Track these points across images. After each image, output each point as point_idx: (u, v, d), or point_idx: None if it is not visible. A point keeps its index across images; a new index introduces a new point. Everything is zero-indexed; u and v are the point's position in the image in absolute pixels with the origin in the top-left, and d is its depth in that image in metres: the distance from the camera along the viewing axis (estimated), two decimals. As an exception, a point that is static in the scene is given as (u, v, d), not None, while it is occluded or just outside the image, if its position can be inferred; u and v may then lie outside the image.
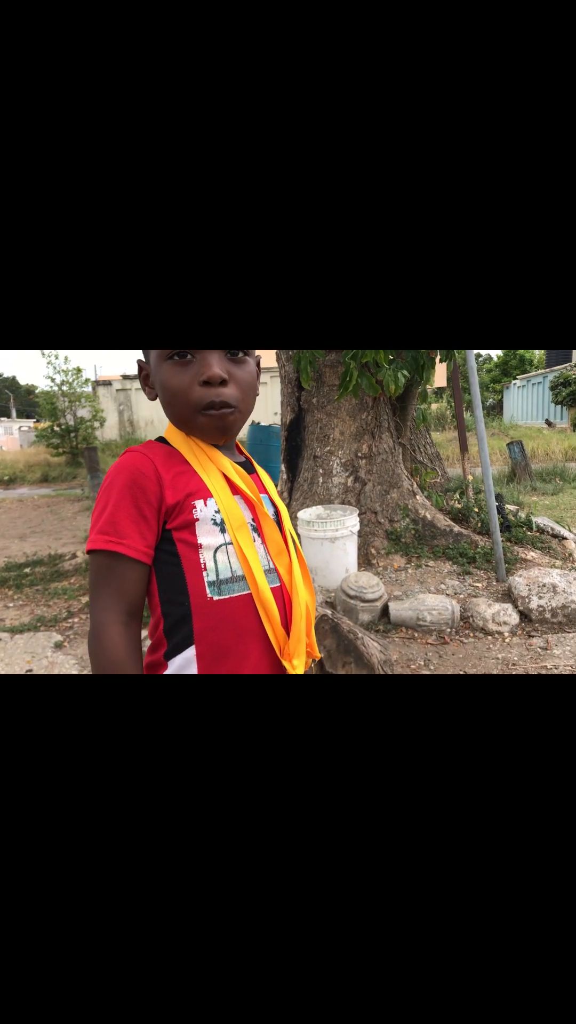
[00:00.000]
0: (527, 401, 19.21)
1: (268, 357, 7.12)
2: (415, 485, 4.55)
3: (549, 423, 14.28)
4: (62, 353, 12.35)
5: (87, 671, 2.93)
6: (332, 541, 3.54)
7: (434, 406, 11.55)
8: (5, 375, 53.88)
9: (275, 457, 5.25)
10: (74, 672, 3.00)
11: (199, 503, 0.89)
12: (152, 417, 15.33)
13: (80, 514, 7.50)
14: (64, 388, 12.62)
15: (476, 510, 4.61)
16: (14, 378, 52.29)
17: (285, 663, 0.88)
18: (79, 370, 12.45)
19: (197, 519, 0.88)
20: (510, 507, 4.85)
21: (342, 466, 4.46)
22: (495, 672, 2.73)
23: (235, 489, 0.92)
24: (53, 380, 12.87)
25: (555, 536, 4.39)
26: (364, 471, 4.44)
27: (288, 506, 4.27)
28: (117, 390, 15.36)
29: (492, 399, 24.98)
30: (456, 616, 3.17)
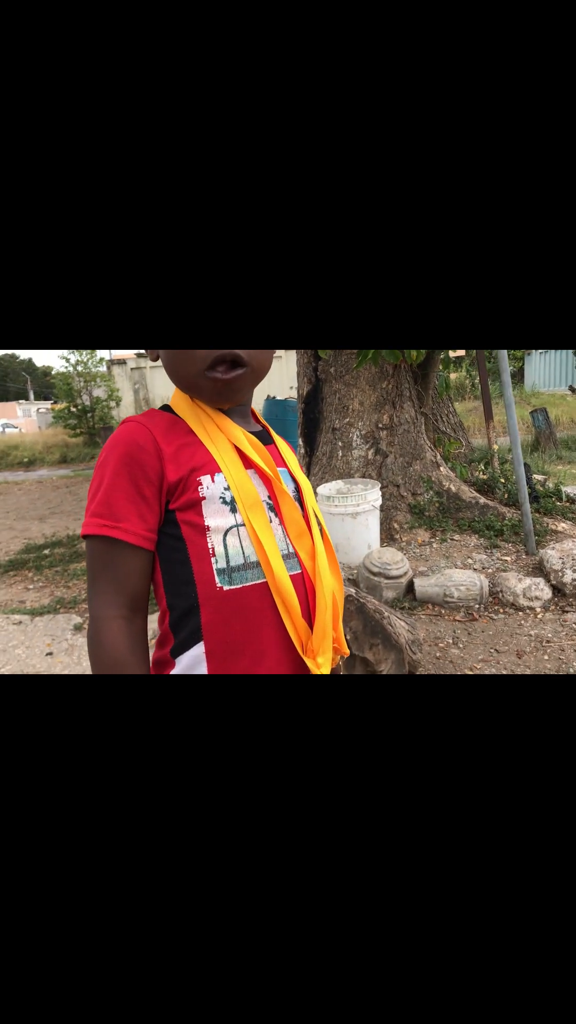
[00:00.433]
0: (549, 367, 18.66)
1: (283, 328, 6.89)
2: (438, 456, 4.38)
3: (573, 389, 13.82)
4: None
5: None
6: (353, 517, 3.41)
7: (453, 375, 11.22)
8: (21, 357, 54.11)
9: (292, 432, 5.11)
10: (94, 655, 2.96)
11: (205, 479, 0.77)
12: (167, 395, 15.09)
13: (98, 494, 7.47)
14: (79, 369, 12.58)
15: (502, 481, 4.44)
16: (31, 360, 52.53)
17: (308, 661, 0.77)
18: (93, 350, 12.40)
19: (203, 498, 0.77)
20: (537, 477, 4.66)
21: (362, 438, 4.31)
22: (528, 650, 2.61)
23: (248, 462, 0.80)
24: (68, 361, 12.83)
25: (586, 506, 4.21)
26: (385, 443, 4.28)
27: (307, 481, 4.14)
28: (132, 369, 15.27)
29: (513, 366, 24.31)
30: (485, 591, 3.05)
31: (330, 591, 0.81)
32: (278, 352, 10.44)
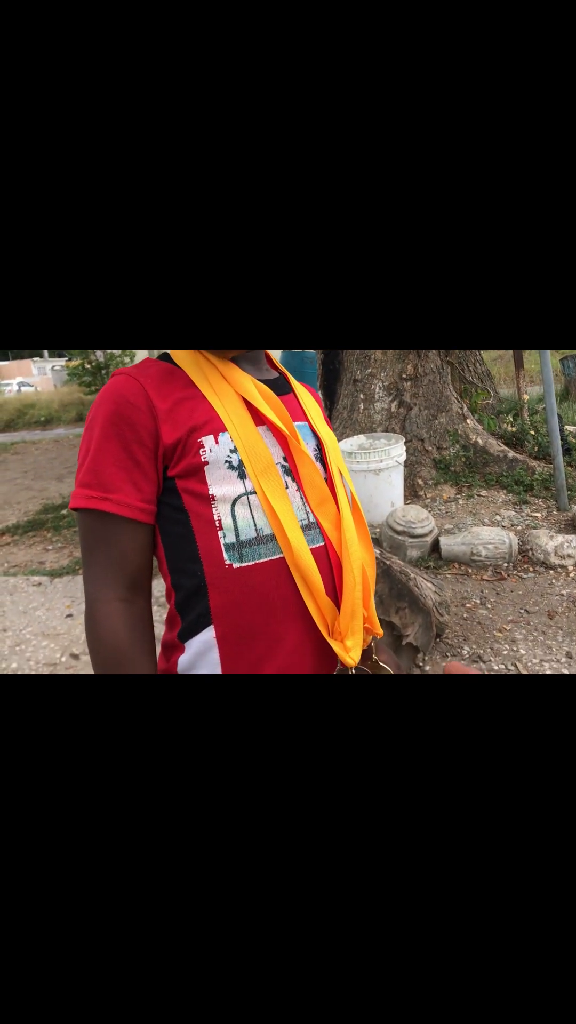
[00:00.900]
0: (582, 311, 17.76)
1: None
2: (465, 408, 4.17)
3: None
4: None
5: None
6: (376, 473, 3.27)
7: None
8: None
9: (311, 386, 4.91)
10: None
11: (208, 440, 0.66)
12: (183, 349, 14.78)
13: (115, 453, 7.41)
14: (92, 323, 12.28)
15: (532, 433, 4.23)
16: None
17: (335, 645, 0.67)
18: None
19: (206, 462, 0.65)
20: (568, 428, 4.43)
21: (385, 390, 4.11)
22: (559, 611, 2.50)
23: (260, 418, 0.68)
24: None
25: (622, 458, 3.99)
26: (409, 394, 4.07)
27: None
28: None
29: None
30: (514, 549, 2.92)
31: (359, 565, 0.70)
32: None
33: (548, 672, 2.12)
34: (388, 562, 1.94)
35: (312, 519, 0.69)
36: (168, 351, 0.72)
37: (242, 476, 0.66)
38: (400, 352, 4.06)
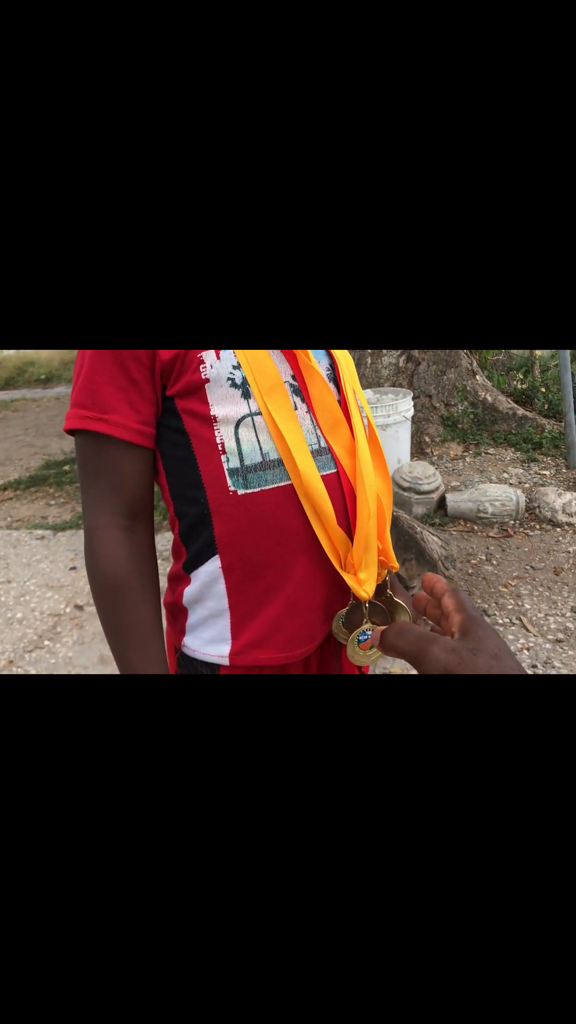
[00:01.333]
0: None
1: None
2: (475, 364, 4.06)
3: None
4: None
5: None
6: (383, 428, 3.21)
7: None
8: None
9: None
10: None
11: (208, 356, 0.61)
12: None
13: (118, 410, 7.32)
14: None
15: (543, 390, 4.13)
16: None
17: (348, 578, 0.64)
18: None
19: (207, 380, 0.61)
20: (581, 386, 4.33)
21: (392, 344, 4.01)
22: (565, 567, 2.48)
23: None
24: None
25: None
26: (418, 349, 3.97)
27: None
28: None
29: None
30: (521, 506, 2.88)
31: (374, 494, 0.66)
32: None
33: (553, 626, 2.12)
34: (396, 513, 1.91)
35: (323, 443, 0.65)
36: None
37: (246, 395, 0.61)
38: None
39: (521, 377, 4.43)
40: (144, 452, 0.65)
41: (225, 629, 0.66)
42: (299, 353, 0.64)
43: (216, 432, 0.62)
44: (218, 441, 0.62)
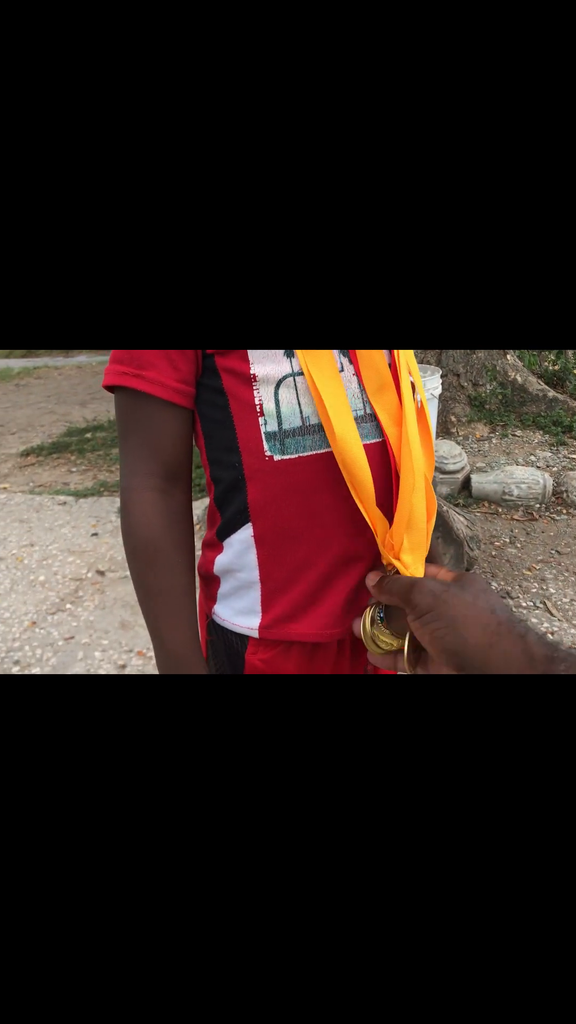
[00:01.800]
0: None
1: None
2: (506, 342, 3.96)
3: None
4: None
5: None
6: (409, 405, 3.15)
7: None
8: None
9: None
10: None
11: None
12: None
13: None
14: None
15: (575, 372, 4.02)
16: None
17: (390, 558, 0.60)
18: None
19: None
20: (615, 369, 4.20)
21: (422, 320, 3.91)
22: (592, 553, 2.43)
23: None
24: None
25: None
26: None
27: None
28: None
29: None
30: (548, 490, 2.83)
31: (420, 469, 0.61)
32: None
33: (577, 612, 2.09)
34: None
35: (369, 410, 0.61)
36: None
37: (289, 354, 0.58)
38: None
39: (553, 358, 4.31)
40: (182, 412, 0.62)
41: (255, 601, 0.64)
42: None
43: (255, 392, 0.59)
44: (257, 402, 0.58)
